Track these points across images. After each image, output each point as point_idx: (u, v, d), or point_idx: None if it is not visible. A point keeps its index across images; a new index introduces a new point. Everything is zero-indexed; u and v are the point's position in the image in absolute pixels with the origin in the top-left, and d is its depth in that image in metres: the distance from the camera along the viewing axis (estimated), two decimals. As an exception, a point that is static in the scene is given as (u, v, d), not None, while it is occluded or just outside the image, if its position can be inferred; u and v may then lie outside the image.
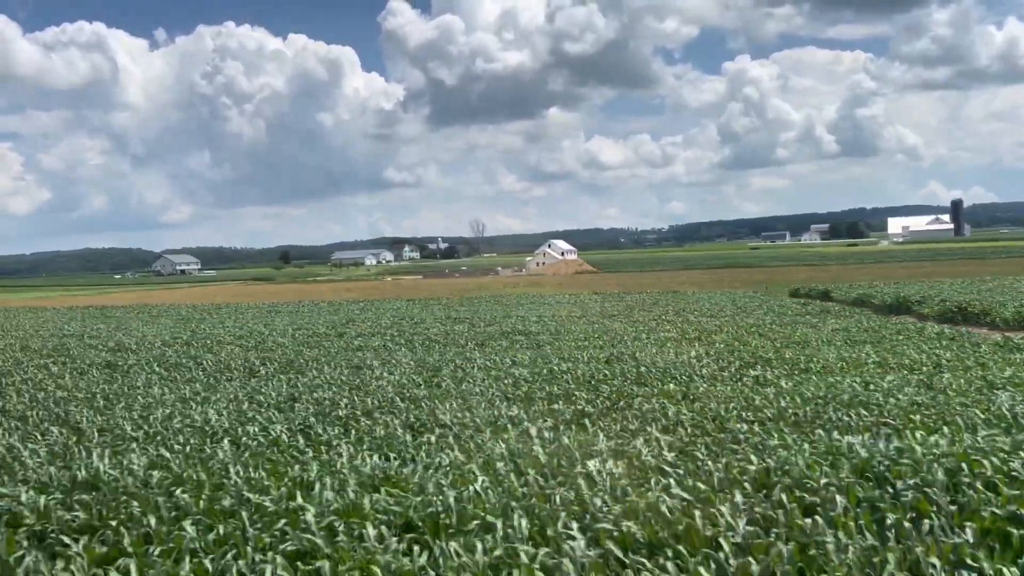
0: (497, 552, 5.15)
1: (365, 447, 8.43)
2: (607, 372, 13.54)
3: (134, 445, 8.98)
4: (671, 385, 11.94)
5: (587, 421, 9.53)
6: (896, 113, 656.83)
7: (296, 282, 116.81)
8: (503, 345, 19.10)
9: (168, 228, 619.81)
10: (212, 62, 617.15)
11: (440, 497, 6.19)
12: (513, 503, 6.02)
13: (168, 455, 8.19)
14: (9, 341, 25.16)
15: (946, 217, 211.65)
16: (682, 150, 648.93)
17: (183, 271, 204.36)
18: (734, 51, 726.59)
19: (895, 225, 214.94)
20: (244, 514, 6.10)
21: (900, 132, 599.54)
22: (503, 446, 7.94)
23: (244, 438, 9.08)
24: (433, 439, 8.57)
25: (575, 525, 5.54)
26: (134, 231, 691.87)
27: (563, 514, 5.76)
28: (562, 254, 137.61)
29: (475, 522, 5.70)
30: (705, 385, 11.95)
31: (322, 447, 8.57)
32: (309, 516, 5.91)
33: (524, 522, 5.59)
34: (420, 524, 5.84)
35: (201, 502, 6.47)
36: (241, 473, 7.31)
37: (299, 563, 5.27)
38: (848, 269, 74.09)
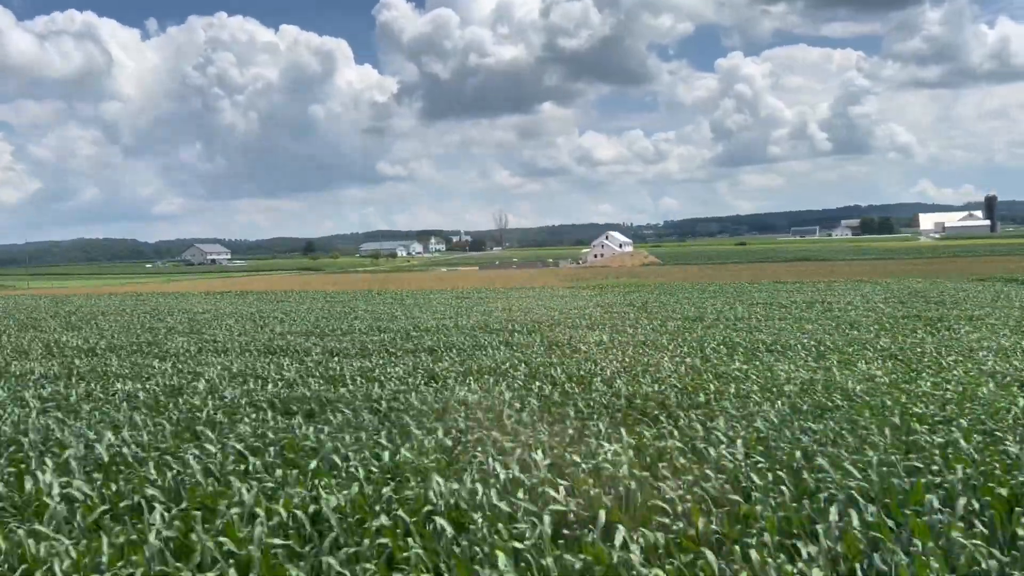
0: None
1: None
2: None
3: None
4: None
5: None
6: (889, 111, 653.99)
7: (348, 272, 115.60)
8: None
9: (160, 220, 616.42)
10: (204, 53, 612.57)
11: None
12: None
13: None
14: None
15: (979, 213, 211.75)
16: (675, 146, 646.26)
17: (213, 260, 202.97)
18: (728, 48, 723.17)
19: (927, 221, 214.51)
20: None
21: (893, 130, 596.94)
22: None
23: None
24: None
25: None
26: (124, 222, 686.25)
27: None
28: (620, 246, 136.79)
29: None
30: None
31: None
32: None
33: None
34: None
35: None
36: None
37: None
38: (960, 261, 72.85)
